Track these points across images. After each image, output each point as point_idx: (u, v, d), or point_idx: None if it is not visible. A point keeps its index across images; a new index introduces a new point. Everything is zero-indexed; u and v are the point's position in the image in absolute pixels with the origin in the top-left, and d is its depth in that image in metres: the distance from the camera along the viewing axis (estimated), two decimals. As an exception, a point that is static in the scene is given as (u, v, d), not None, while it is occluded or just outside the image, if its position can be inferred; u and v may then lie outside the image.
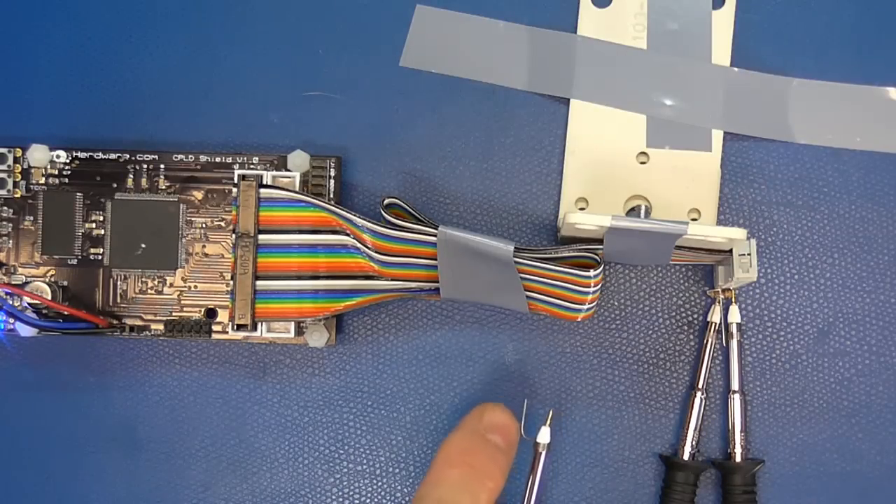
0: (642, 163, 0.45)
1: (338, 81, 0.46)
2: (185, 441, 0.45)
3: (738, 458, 0.44)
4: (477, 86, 0.46)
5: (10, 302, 0.44)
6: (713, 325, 0.44)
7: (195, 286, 0.45)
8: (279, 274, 0.42)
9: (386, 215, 0.42)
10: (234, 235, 0.42)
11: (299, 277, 0.42)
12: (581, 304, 0.42)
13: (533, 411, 0.44)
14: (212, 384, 0.46)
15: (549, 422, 0.43)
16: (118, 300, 0.45)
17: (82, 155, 0.45)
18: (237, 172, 0.44)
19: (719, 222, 0.45)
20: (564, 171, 0.45)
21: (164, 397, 0.46)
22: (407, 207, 0.42)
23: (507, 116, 0.46)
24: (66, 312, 0.43)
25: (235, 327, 0.41)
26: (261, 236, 0.42)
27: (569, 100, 0.45)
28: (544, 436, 0.42)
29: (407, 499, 0.45)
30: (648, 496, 0.45)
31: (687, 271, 0.45)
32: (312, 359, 0.46)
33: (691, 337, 0.45)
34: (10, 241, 0.45)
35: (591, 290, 0.41)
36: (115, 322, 0.44)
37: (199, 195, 0.45)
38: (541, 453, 0.42)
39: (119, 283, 0.45)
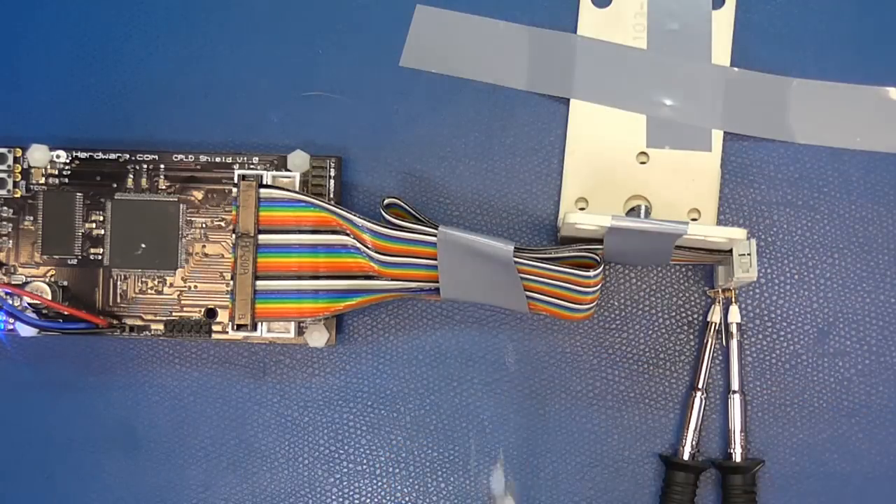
0: (642, 163, 0.45)
1: (338, 81, 0.46)
2: (185, 441, 0.45)
3: (738, 458, 0.44)
4: (477, 86, 0.46)
5: (10, 302, 0.44)
6: (713, 325, 0.44)
7: (195, 286, 0.45)
8: (279, 274, 0.42)
9: (386, 215, 0.42)
10: (234, 235, 0.42)
11: (299, 277, 0.42)
12: (581, 304, 0.42)
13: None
14: (212, 384, 0.46)
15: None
16: (118, 300, 0.45)
17: (82, 155, 0.45)
18: (237, 172, 0.44)
19: (719, 222, 0.45)
20: (564, 171, 0.45)
21: (164, 397, 0.46)
22: (407, 207, 0.42)
23: (507, 116, 0.46)
24: (66, 312, 0.43)
25: (235, 327, 0.41)
26: (261, 236, 0.42)
27: (569, 100, 0.45)
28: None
29: (407, 499, 0.45)
30: (648, 496, 0.45)
31: (687, 271, 0.45)
32: (312, 359, 0.46)
33: (691, 337, 0.45)
34: (10, 241, 0.45)
35: (591, 290, 0.41)
36: (115, 322, 0.44)
37: (199, 195, 0.45)
38: None
39: (119, 283, 0.45)
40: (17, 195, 0.45)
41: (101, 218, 0.45)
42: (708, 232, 0.40)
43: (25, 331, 0.43)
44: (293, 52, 0.46)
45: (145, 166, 0.45)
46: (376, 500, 0.45)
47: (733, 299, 0.44)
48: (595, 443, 0.45)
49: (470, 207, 0.46)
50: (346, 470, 0.45)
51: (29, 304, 0.44)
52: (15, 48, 0.47)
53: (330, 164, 0.44)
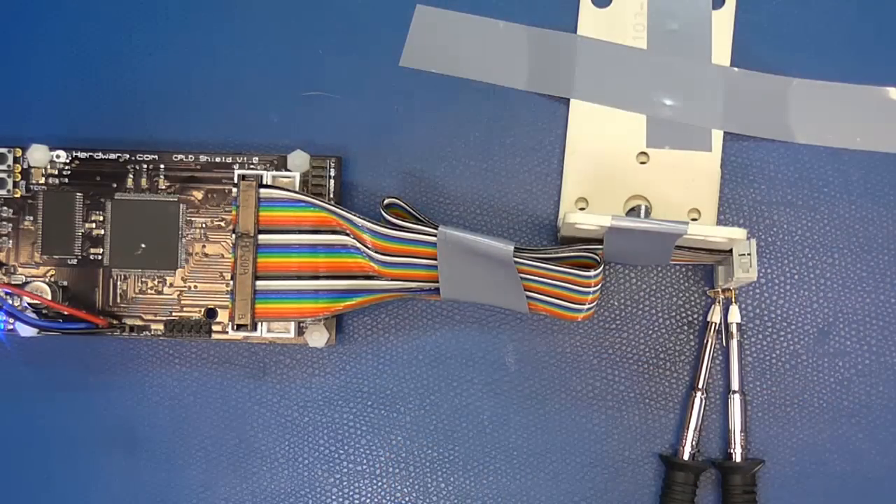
0: (642, 163, 0.45)
1: (338, 81, 0.46)
2: (185, 441, 0.45)
3: (738, 458, 0.44)
4: (477, 86, 0.46)
5: (10, 302, 0.44)
6: (713, 325, 0.44)
7: (195, 286, 0.45)
8: (279, 274, 0.42)
9: (386, 215, 0.42)
10: (234, 235, 0.42)
11: (299, 277, 0.42)
12: (581, 304, 0.42)
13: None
14: (212, 384, 0.46)
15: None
16: (118, 300, 0.45)
17: (82, 155, 0.45)
18: (237, 172, 0.44)
19: (719, 222, 0.45)
20: (564, 171, 0.45)
21: (164, 397, 0.46)
22: (407, 207, 0.42)
23: (507, 116, 0.46)
24: (66, 312, 0.43)
25: (235, 327, 0.41)
26: (261, 236, 0.42)
27: (569, 100, 0.45)
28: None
29: (407, 499, 0.45)
30: (648, 496, 0.45)
31: (687, 271, 0.45)
32: (312, 359, 0.46)
33: (691, 337, 0.45)
34: (10, 241, 0.45)
35: (592, 290, 0.41)
36: (115, 322, 0.44)
37: (199, 195, 0.45)
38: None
39: (119, 283, 0.45)
40: (17, 195, 0.45)
41: (101, 218, 0.45)
42: (708, 232, 0.40)
43: (25, 331, 0.43)
44: (293, 52, 0.46)
45: (145, 166, 0.45)
46: (376, 500, 0.45)
47: (733, 299, 0.44)
48: (595, 443, 0.45)
49: (470, 207, 0.46)
50: (346, 470, 0.45)
51: (29, 304, 0.44)
52: (15, 48, 0.47)
53: (330, 164, 0.44)
